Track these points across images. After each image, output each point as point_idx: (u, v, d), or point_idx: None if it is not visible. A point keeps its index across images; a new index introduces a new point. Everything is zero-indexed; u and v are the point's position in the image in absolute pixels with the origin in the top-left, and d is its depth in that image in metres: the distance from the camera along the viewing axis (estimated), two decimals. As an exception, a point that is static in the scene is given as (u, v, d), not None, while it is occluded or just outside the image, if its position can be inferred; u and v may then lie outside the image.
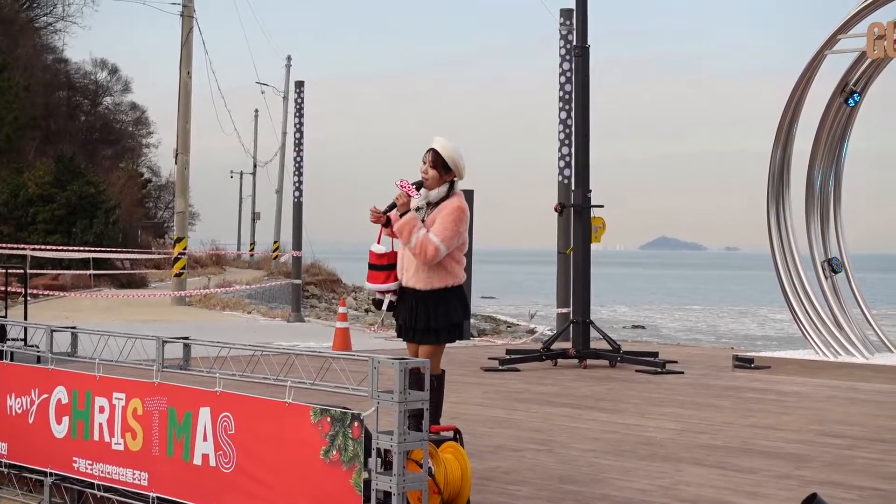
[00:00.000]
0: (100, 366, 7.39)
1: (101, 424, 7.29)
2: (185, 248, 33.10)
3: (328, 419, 5.94)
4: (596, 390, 12.89)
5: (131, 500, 7.10)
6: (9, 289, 16.07)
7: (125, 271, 39.98)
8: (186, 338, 7.26)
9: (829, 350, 14.61)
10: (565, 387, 13.19)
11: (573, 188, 16.62)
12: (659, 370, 14.59)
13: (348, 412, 5.87)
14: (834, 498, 7.14)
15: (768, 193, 15.33)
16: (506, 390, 12.74)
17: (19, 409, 7.99)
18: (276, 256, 55.98)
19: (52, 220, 41.14)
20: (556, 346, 15.91)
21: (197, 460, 6.64)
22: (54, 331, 8.15)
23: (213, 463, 6.55)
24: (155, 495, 6.90)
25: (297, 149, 27.31)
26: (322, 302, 45.39)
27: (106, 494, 7.27)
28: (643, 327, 48.21)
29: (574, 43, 16.78)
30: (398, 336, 8.35)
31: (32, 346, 9.77)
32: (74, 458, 7.48)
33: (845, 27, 14.51)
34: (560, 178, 21.05)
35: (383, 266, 8.17)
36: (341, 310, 18.42)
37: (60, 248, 35.65)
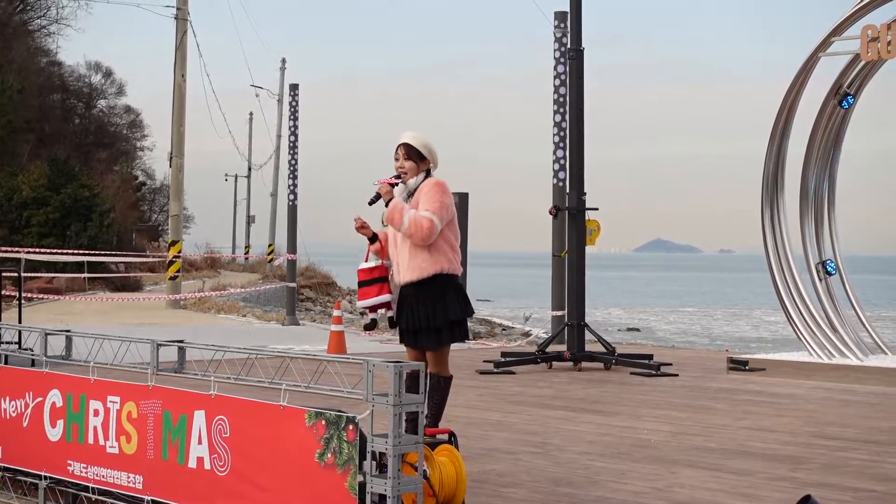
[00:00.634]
0: (94, 369, 7.38)
1: (95, 428, 7.28)
2: (179, 252, 33.09)
3: (323, 422, 5.94)
4: (591, 393, 12.90)
5: (126, 504, 7.10)
6: (3, 292, 16.05)
7: (119, 274, 39.94)
8: (181, 341, 7.25)
9: (824, 352, 14.63)
10: (560, 389, 13.20)
11: (568, 191, 16.63)
12: (654, 373, 14.60)
13: (343, 415, 5.87)
14: (828, 500, 7.15)
15: (762, 196, 15.35)
16: (501, 393, 12.75)
17: (13, 412, 7.98)
18: (271, 259, 55.98)
19: (46, 223, 41.11)
20: (551, 348, 15.92)
21: (192, 463, 6.63)
22: (48, 334, 8.14)
23: (207, 466, 6.54)
24: (150, 498, 6.89)
25: (291, 151, 27.31)
26: (317, 305, 45.38)
27: (101, 498, 7.26)
28: (638, 330, 48.24)
29: (568, 46, 16.79)
30: (401, 342, 8.24)
31: (27, 349, 9.75)
32: (69, 462, 7.47)
33: (839, 30, 14.53)
34: (555, 181, 21.07)
35: (374, 280, 8.10)
36: (336, 313, 18.41)
37: (55, 251, 35.63)
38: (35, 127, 52.22)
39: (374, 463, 5.89)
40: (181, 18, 32.99)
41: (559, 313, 20.26)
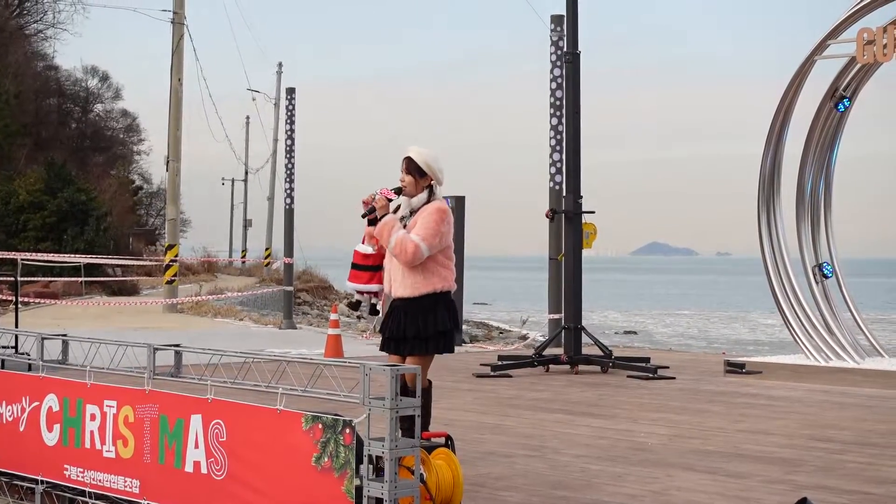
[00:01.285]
0: (91, 373, 7.38)
1: (92, 432, 7.28)
2: (176, 256, 33.07)
3: (320, 426, 5.94)
4: (588, 396, 12.90)
5: (123, 508, 7.09)
6: (0, 296, 16.04)
7: (116, 278, 39.92)
8: (178, 345, 7.26)
9: (821, 355, 14.64)
10: (557, 392, 13.20)
11: (564, 194, 16.64)
12: (651, 375, 14.60)
13: (340, 419, 5.87)
14: (825, 502, 7.16)
15: (759, 198, 15.36)
16: (497, 396, 12.75)
17: (10, 416, 7.98)
18: (268, 263, 55.96)
19: (42, 227, 41.08)
20: (548, 351, 15.92)
21: (188, 467, 6.63)
22: (45, 338, 8.14)
23: (204, 470, 6.54)
24: (146, 503, 6.89)
25: (288, 155, 27.30)
26: (314, 309, 45.36)
27: (97, 502, 7.26)
28: (635, 333, 48.24)
29: (565, 49, 16.80)
30: (381, 349, 8.21)
31: (23, 353, 9.75)
32: (66, 466, 7.47)
33: (835, 32, 14.55)
34: (551, 184, 21.09)
35: (368, 266, 8.12)
36: (333, 316, 18.41)
37: (51, 255, 35.60)
38: (31, 131, 52.23)
39: (370, 467, 5.89)
40: (178, 23, 32.99)
41: (556, 316, 20.27)
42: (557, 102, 20.65)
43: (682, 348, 32.95)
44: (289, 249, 27.66)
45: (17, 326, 15.14)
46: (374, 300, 8.13)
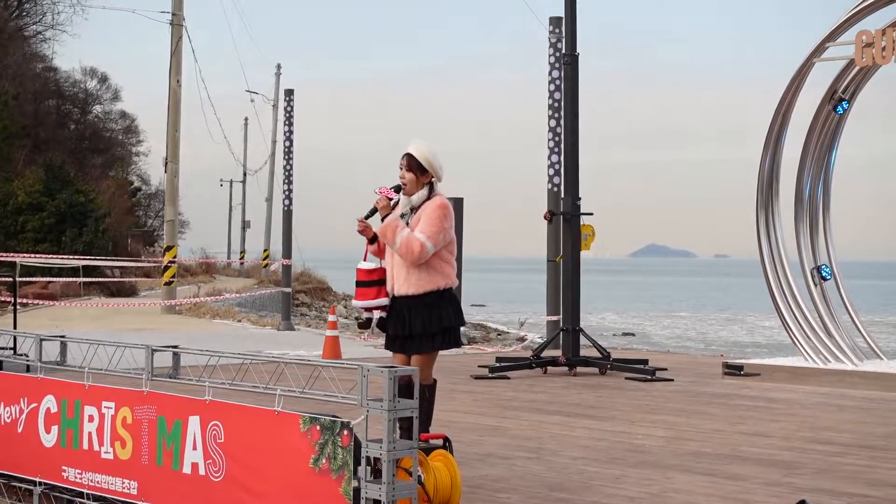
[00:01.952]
0: (89, 375, 7.38)
1: (90, 433, 7.28)
2: (174, 257, 33.06)
3: (317, 427, 5.94)
4: (586, 398, 12.90)
5: (121, 509, 7.09)
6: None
7: (115, 279, 39.90)
8: (176, 346, 7.26)
9: (819, 357, 14.64)
10: (555, 394, 13.20)
11: (563, 196, 16.64)
12: (649, 377, 14.60)
13: (338, 420, 5.87)
14: (823, 505, 7.15)
15: (757, 201, 15.36)
16: (496, 398, 12.75)
17: (8, 418, 7.98)
18: (267, 265, 55.95)
19: (41, 228, 41.06)
20: (546, 353, 15.91)
21: (186, 469, 6.63)
22: (43, 340, 8.14)
23: (202, 472, 6.54)
24: (144, 504, 6.89)
25: (286, 157, 27.31)
26: (312, 310, 45.37)
27: (95, 503, 7.26)
28: (633, 334, 48.27)
29: (563, 51, 16.81)
30: (386, 347, 8.25)
31: (22, 355, 9.74)
32: (64, 467, 7.47)
33: (833, 35, 14.56)
34: (550, 185, 21.11)
35: (373, 282, 8.09)
36: (331, 318, 18.40)
37: (50, 256, 35.58)
38: (30, 132, 52.19)
39: (368, 468, 5.89)
40: (176, 24, 32.99)
41: (554, 318, 20.27)
42: (556, 104, 20.66)
43: (681, 350, 32.97)
44: (287, 251, 27.67)
45: (15, 327, 15.14)
46: (383, 314, 8.12)
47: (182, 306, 31.47)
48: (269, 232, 62.67)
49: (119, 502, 7.09)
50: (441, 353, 8.27)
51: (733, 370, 15.02)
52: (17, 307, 16.52)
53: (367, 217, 8.07)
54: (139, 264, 40.60)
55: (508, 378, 14.80)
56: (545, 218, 19.01)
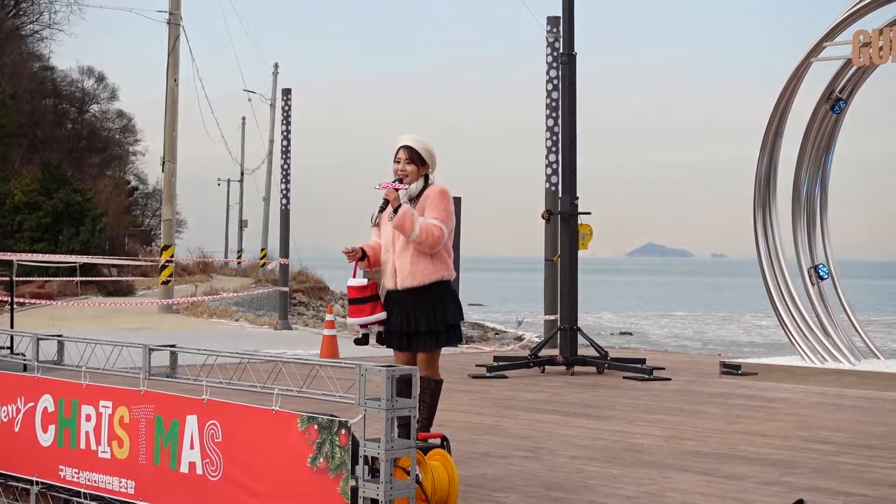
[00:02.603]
0: (86, 374, 7.37)
1: (87, 433, 7.28)
2: (172, 256, 33.06)
3: (315, 427, 5.93)
4: (583, 397, 12.90)
5: (118, 509, 7.09)
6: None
7: (112, 278, 39.90)
8: (173, 345, 7.25)
9: (816, 356, 14.64)
10: (553, 394, 13.20)
11: (560, 195, 16.64)
12: (646, 377, 14.60)
13: (335, 420, 5.87)
14: (820, 504, 7.16)
15: (755, 200, 15.37)
16: (493, 397, 12.75)
17: (5, 417, 7.97)
18: (264, 264, 55.95)
19: (38, 227, 41.08)
20: (544, 352, 15.92)
21: (184, 468, 6.63)
22: (40, 339, 8.13)
23: (199, 471, 6.53)
24: (142, 504, 6.89)
25: (284, 156, 27.33)
26: (309, 309, 45.38)
27: (92, 503, 7.25)
28: (630, 334, 48.30)
29: (561, 50, 16.81)
30: (382, 343, 8.15)
31: (19, 354, 9.74)
32: (61, 467, 7.46)
33: (831, 35, 14.56)
34: (547, 185, 21.11)
35: (367, 298, 8.00)
36: (329, 317, 18.40)
37: (47, 255, 35.57)
38: (27, 132, 52.21)
39: (366, 467, 5.89)
40: (174, 23, 32.99)
41: (552, 317, 20.28)
42: (553, 104, 20.67)
43: (678, 350, 32.98)
44: (284, 250, 27.70)
45: (12, 327, 15.13)
46: (379, 329, 8.07)
47: (179, 306, 31.46)
48: (266, 231, 62.62)
49: (116, 502, 7.08)
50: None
51: (731, 369, 15.02)
52: (14, 306, 16.50)
53: (381, 210, 7.97)
54: (136, 263, 40.62)
55: (506, 377, 14.80)
56: (543, 217, 19.04)
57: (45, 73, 61.95)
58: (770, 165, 15.32)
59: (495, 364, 15.38)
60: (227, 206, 79.83)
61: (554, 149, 20.67)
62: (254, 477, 6.24)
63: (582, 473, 8.17)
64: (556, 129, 20.41)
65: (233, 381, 6.67)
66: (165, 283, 32.41)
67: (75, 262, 35.08)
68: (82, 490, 7.30)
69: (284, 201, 27.31)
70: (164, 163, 33.47)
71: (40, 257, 33.61)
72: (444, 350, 8.38)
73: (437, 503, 6.51)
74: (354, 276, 8.04)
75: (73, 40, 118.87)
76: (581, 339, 15.79)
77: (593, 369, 15.44)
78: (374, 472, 5.89)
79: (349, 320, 8.16)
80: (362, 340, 8.12)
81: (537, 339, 21.73)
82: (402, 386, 6.05)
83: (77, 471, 7.34)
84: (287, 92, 27.55)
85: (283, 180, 27.32)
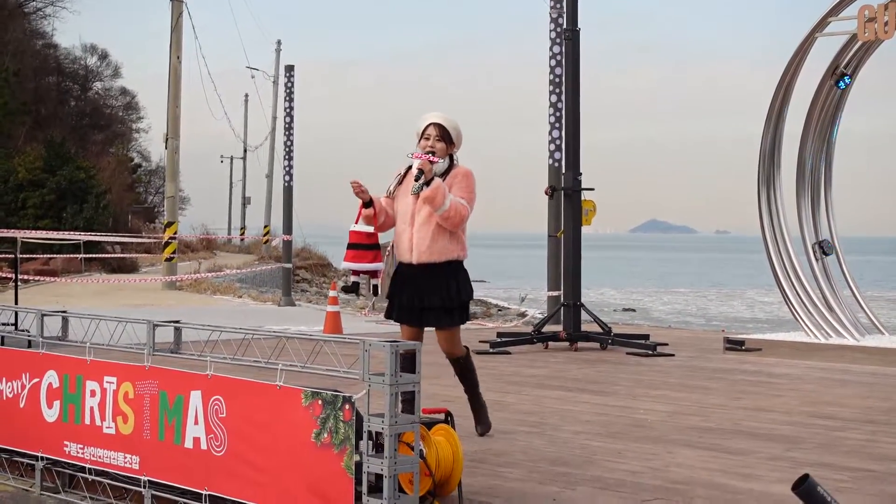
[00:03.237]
0: (91, 350, 7.38)
1: (92, 408, 7.29)
2: (175, 233, 33.05)
3: (319, 402, 5.94)
4: (587, 373, 12.90)
5: (122, 484, 7.10)
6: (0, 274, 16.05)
7: (116, 255, 39.91)
8: (177, 321, 7.25)
9: (820, 332, 14.64)
10: (556, 369, 13.21)
11: (564, 171, 16.61)
12: (650, 353, 14.61)
13: (339, 395, 5.87)
14: (825, 479, 7.15)
15: (759, 176, 15.33)
16: (497, 373, 12.75)
17: (10, 393, 7.99)
18: (267, 241, 55.96)
19: (42, 205, 41.08)
20: (547, 329, 15.91)
21: (188, 444, 6.64)
22: (45, 315, 8.14)
23: (204, 446, 6.54)
24: (146, 479, 6.90)
25: (287, 133, 27.27)
26: (313, 286, 45.37)
27: (97, 478, 7.27)
28: (634, 310, 48.27)
29: (564, 26, 16.75)
30: (391, 317, 8.10)
31: (23, 330, 9.76)
32: (65, 443, 7.48)
33: (836, 10, 14.49)
34: (551, 161, 21.08)
35: (372, 245, 7.97)
36: (332, 293, 18.40)
37: (51, 232, 35.57)
38: (31, 109, 52.16)
39: (370, 443, 5.89)
40: (177, 0, 32.89)
41: (555, 294, 20.26)
42: (557, 80, 20.61)
43: (681, 326, 32.99)
44: (287, 227, 27.66)
45: (16, 303, 15.14)
46: (374, 280, 8.01)
47: (183, 282, 31.48)
48: (269, 208, 62.66)
49: (121, 477, 7.09)
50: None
51: (735, 345, 15.02)
52: (19, 283, 16.52)
53: (420, 186, 7.69)
54: (140, 240, 40.61)
55: (509, 353, 14.80)
56: (546, 193, 19.00)
57: (49, 50, 61.85)
58: (774, 141, 15.28)
59: (499, 340, 15.38)
60: (231, 182, 79.94)
61: (557, 125, 20.63)
62: (258, 452, 6.24)
63: (586, 449, 8.17)
64: (559, 105, 20.37)
65: (237, 356, 6.67)
66: (169, 259, 32.42)
67: (79, 239, 35.07)
68: (87, 465, 7.32)
69: (288, 178, 27.27)
70: (167, 140, 33.42)
71: (44, 234, 33.63)
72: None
73: (440, 478, 6.51)
74: (357, 223, 7.97)
75: (76, 17, 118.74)
76: (584, 315, 15.78)
77: (597, 345, 15.44)
78: (378, 448, 5.89)
79: (344, 264, 8.08)
80: (351, 288, 8.05)
81: (540, 316, 21.71)
82: (406, 361, 6.06)
83: (82, 446, 7.35)
84: (290, 69, 27.48)
85: (287, 157, 27.28)
